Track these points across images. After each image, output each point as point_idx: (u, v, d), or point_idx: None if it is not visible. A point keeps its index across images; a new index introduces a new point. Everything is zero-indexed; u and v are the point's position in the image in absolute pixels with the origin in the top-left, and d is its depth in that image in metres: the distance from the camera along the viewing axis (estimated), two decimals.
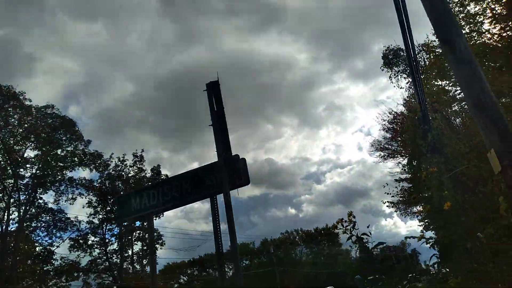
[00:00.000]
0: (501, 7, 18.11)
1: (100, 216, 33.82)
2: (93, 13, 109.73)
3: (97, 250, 33.06)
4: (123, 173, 35.82)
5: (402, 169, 28.48)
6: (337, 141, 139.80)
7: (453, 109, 20.56)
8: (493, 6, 18.86)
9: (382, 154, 33.43)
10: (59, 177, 32.45)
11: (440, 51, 21.29)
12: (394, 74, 28.90)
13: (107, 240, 33.58)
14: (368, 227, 4.16)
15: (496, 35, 17.47)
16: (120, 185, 35.61)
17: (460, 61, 5.03)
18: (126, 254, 34.61)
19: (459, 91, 19.89)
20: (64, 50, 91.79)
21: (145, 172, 36.80)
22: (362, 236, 3.86)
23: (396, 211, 29.09)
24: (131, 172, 36.26)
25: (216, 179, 3.42)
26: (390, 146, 33.23)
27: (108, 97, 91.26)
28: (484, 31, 17.69)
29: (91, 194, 33.89)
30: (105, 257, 32.91)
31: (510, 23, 17.99)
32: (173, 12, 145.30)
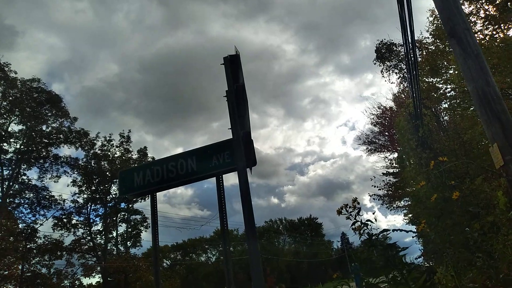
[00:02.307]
0: (494, 8, 18.32)
1: (85, 196, 33.59)
2: None
3: (81, 230, 32.89)
4: (109, 153, 35.50)
5: (389, 163, 28.77)
6: (321, 134, 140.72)
7: (443, 106, 20.82)
8: (486, 7, 19.02)
9: (369, 147, 33.74)
10: (44, 153, 31.81)
11: (433, 48, 21.48)
12: (386, 69, 28.88)
13: (91, 221, 33.41)
14: (373, 213, 4.16)
15: (488, 36, 17.63)
16: (106, 165, 35.29)
17: (467, 54, 5.04)
18: (111, 235, 34.50)
19: (449, 88, 20.18)
20: (48, 26, 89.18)
21: (132, 153, 36.55)
22: (367, 222, 3.87)
23: (382, 203, 29.45)
24: (117, 152, 36.01)
25: (224, 158, 3.38)
26: (377, 140, 33.53)
27: (92, 77, 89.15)
28: (476, 31, 17.85)
29: (76, 173, 33.54)
30: (89, 237, 32.77)
31: (502, 24, 18.20)
32: None
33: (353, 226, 3.98)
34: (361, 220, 3.94)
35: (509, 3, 19.46)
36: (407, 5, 8.57)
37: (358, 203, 4.07)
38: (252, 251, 2.57)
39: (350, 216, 3.98)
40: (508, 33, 16.91)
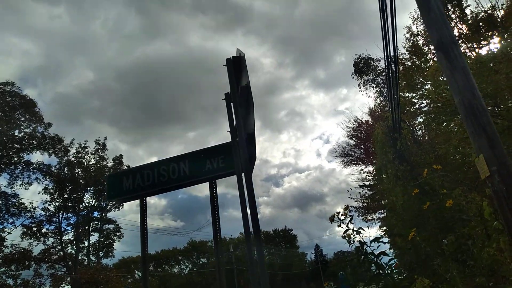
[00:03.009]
0: (467, 28, 19.06)
1: (57, 204, 32.56)
2: None
3: (51, 239, 31.81)
4: (83, 161, 34.63)
5: (365, 175, 29.16)
6: (297, 146, 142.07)
7: (417, 121, 21.35)
8: (460, 26, 19.75)
9: (345, 160, 34.18)
10: (15, 159, 30.63)
11: (410, 63, 22.07)
12: (363, 83, 29.43)
13: (62, 229, 32.37)
14: (366, 221, 4.18)
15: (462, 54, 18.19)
16: (79, 172, 34.38)
17: (454, 67, 5.17)
18: (82, 245, 33.49)
19: (424, 103, 20.74)
20: (23, 31, 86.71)
21: (107, 161, 35.78)
22: (359, 230, 3.87)
23: (358, 215, 29.71)
24: (92, 160, 35.17)
25: (218, 162, 3.31)
26: (353, 153, 34.04)
27: (66, 83, 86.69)
28: None
29: (48, 180, 32.49)
30: (59, 247, 31.69)
31: (474, 44, 18.91)
32: (139, 3, 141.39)
33: (345, 234, 3.97)
34: (353, 228, 3.95)
35: (480, 23, 20.30)
36: (392, 20, 8.76)
37: (350, 211, 4.08)
38: (259, 259, 2.50)
39: (342, 224, 3.98)
40: (480, 52, 17.57)
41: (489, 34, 19.08)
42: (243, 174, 2.88)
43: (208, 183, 3.86)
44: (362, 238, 3.91)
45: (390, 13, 8.54)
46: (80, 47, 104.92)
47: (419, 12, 21.63)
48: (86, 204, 34.20)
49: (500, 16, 19.84)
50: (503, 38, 17.61)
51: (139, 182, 4.13)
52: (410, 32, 21.86)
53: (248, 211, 2.51)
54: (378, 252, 3.85)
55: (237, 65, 2.92)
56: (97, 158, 35.32)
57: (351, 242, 4.09)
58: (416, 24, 21.98)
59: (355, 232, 3.89)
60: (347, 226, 3.97)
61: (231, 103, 2.98)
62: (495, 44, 18.40)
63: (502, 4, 19.99)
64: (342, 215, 4.01)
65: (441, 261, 5.02)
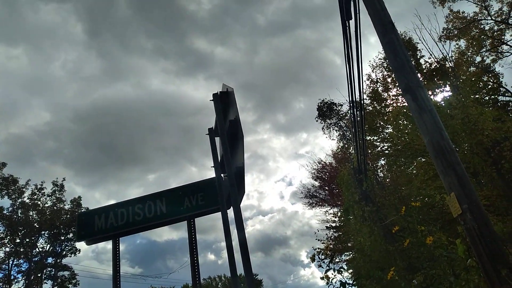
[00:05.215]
0: (422, 77, 20.35)
1: (7, 249, 30.35)
2: (14, 37, 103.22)
3: None
4: (39, 203, 32.82)
5: (332, 216, 29.26)
6: (260, 188, 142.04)
7: (379, 163, 21.98)
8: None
9: (310, 201, 34.32)
10: None
11: (371, 108, 22.99)
12: (327, 126, 30.17)
13: (12, 277, 30.02)
14: (334, 264, 4.13)
15: None
16: (34, 215, 32.47)
17: (422, 109, 5.42)
18: None
19: (386, 146, 21.48)
20: None
21: (65, 203, 34.08)
22: (341, 269, 3.81)
23: (324, 259, 29.37)
24: (49, 202, 33.40)
25: (197, 200, 3.20)
26: (318, 194, 34.30)
27: (20, 124, 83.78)
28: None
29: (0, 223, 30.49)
30: None
31: (429, 91, 20.08)
32: (100, 45, 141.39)
33: (326, 274, 3.89)
34: (333, 268, 3.88)
35: (434, 72, 21.70)
36: (358, 67, 9.15)
37: (330, 250, 4.04)
38: None
39: (322, 264, 3.92)
40: (435, 99, 18.64)
41: (442, 82, 20.43)
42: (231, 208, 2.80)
43: (186, 222, 3.73)
44: (343, 278, 3.84)
45: (356, 61, 8.94)
46: (37, 88, 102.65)
47: (378, 61, 22.87)
48: (40, 249, 32.09)
49: (451, 67, 21.39)
50: (455, 87, 18.88)
51: (112, 221, 3.93)
52: (370, 79, 22.99)
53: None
54: None
55: (224, 100, 2.92)
56: (54, 200, 33.61)
57: (330, 282, 4.01)
58: (375, 72, 23.16)
59: (336, 272, 3.83)
60: (327, 266, 3.91)
61: (215, 138, 2.96)
62: (447, 92, 19.70)
63: (451, 56, 21.66)
64: (322, 255, 3.95)
65: None
